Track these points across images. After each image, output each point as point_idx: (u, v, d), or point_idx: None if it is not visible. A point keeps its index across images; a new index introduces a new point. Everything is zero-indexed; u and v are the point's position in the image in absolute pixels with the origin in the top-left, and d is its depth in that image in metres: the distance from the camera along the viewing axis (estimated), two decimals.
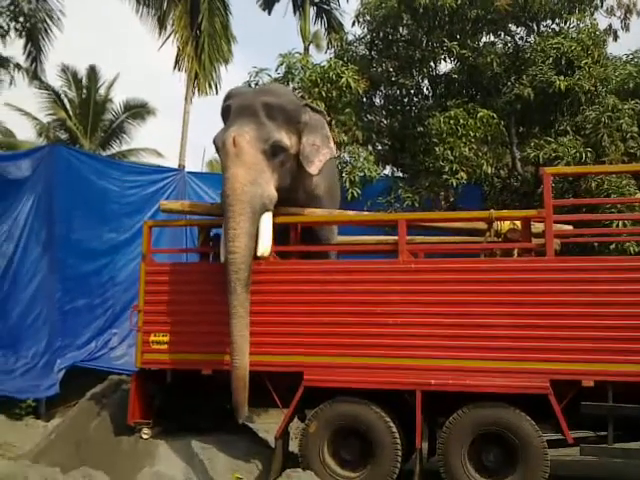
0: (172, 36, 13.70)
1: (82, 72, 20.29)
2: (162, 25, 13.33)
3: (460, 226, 6.93)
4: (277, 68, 10.91)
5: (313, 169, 6.57)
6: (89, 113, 20.31)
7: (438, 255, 7.60)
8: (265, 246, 6.22)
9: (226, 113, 6.57)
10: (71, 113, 20.22)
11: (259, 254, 6.18)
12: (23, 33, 9.66)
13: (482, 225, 6.78)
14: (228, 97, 6.80)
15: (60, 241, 10.18)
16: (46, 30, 11.56)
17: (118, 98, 21.01)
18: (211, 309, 6.48)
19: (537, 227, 6.49)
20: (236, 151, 6.10)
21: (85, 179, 10.58)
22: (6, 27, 8.86)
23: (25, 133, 24.90)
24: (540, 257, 6.03)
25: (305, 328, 6.26)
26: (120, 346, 10.74)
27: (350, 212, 7.37)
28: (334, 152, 6.85)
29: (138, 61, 37.52)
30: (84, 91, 20.52)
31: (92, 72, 20.55)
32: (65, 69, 20.09)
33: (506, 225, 6.67)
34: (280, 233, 6.56)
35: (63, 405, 9.78)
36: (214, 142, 6.48)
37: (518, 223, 6.61)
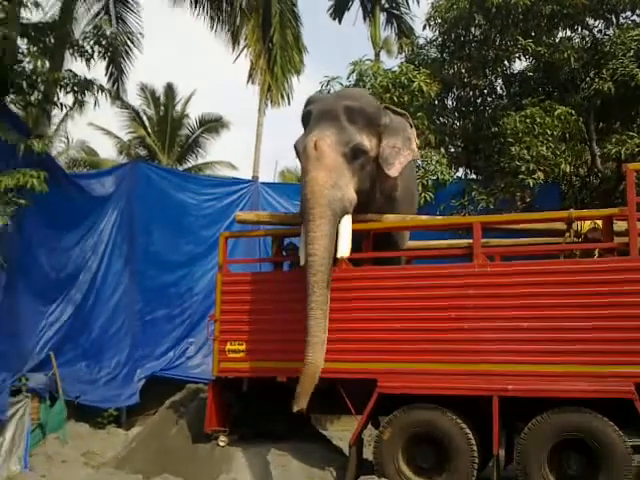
0: (245, 50, 13.95)
1: (160, 90, 21.10)
2: (235, 40, 13.58)
3: (538, 227, 6.70)
4: (348, 76, 10.91)
5: (393, 171, 6.54)
6: (167, 129, 21.00)
7: (515, 258, 7.37)
8: (345, 248, 6.21)
9: (307, 118, 6.62)
10: (150, 130, 20.98)
11: (339, 256, 6.18)
12: (105, 55, 10.04)
13: (561, 225, 6.54)
14: (309, 103, 6.87)
15: (140, 254, 10.54)
16: (127, 52, 12.03)
17: (194, 113, 21.61)
18: (286, 317, 6.56)
19: (620, 225, 6.19)
20: (317, 154, 6.14)
21: (164, 193, 10.93)
22: (90, 51, 9.24)
23: (107, 151, 25.99)
24: (623, 257, 5.74)
25: (379, 334, 6.24)
26: (197, 355, 10.98)
27: (423, 216, 7.27)
28: (417, 154, 6.82)
29: (212, 76, 38.47)
30: (162, 108, 21.26)
31: (169, 89, 21.33)
32: (144, 88, 20.89)
33: (587, 225, 6.42)
34: (352, 240, 6.53)
35: (142, 414, 10.08)
36: (295, 147, 6.54)
37: (599, 222, 6.33)
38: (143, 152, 21.24)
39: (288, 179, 22.65)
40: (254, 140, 14.00)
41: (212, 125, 21.31)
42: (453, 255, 6.96)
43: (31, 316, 8.91)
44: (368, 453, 6.64)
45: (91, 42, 9.22)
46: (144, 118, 21.18)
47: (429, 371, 6.03)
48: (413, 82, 10.38)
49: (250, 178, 12.85)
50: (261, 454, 6.46)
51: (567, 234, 6.38)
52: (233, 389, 6.92)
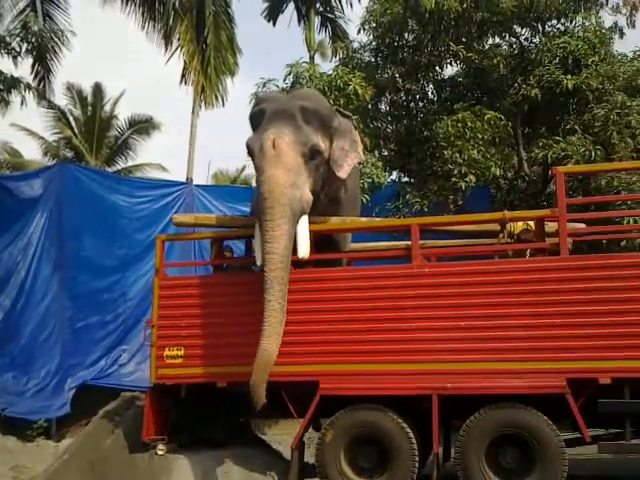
0: (178, 50, 13.74)
1: (87, 90, 20.50)
2: (168, 40, 13.37)
3: (473, 229, 6.86)
4: (285, 78, 10.92)
5: (342, 173, 6.54)
6: (94, 130, 20.42)
7: (450, 259, 7.52)
8: (304, 249, 6.16)
9: (258, 117, 6.46)
10: (76, 131, 20.35)
11: (300, 257, 6.12)
12: (32, 53, 9.67)
13: (495, 227, 6.72)
14: (260, 102, 6.77)
15: (70, 258, 10.18)
16: (54, 50, 11.62)
17: (123, 114, 21.13)
18: (226, 321, 6.47)
19: (550, 226, 6.41)
20: (275, 153, 6.04)
21: (94, 196, 10.60)
22: (18, 49, 8.87)
23: (31, 153, 25.08)
24: (554, 257, 5.95)
25: (319, 336, 6.23)
26: (130, 363, 10.66)
27: (363, 219, 7.33)
28: (362, 156, 6.86)
29: (142, 77, 37.73)
30: (89, 108, 20.66)
31: (97, 89, 20.74)
32: (70, 87, 20.25)
33: (519, 226, 6.63)
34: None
35: (74, 425, 9.73)
36: (248, 145, 6.39)
37: (531, 223, 6.55)
38: (70, 154, 20.59)
39: (221, 181, 22.44)
40: (185, 142, 13.82)
41: (142, 126, 20.86)
42: (392, 257, 7.04)
43: None
44: (309, 456, 6.63)
45: (17, 39, 8.84)
46: (70, 118, 20.53)
47: (370, 372, 6.07)
48: (349, 85, 10.49)
49: (184, 180, 12.62)
50: (201, 462, 6.35)
51: (501, 235, 6.56)
52: (171, 396, 6.77)
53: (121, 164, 20.98)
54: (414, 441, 5.91)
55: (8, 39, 8.96)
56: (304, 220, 6.18)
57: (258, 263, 6.09)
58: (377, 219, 8.30)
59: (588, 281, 5.73)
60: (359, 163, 10.46)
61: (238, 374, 6.31)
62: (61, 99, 19.87)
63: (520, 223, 6.66)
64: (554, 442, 5.57)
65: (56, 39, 10.98)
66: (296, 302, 6.31)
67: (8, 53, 8.90)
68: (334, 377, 6.14)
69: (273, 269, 5.80)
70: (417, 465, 5.89)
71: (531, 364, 5.72)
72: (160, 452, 6.47)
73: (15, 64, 9.04)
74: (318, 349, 6.21)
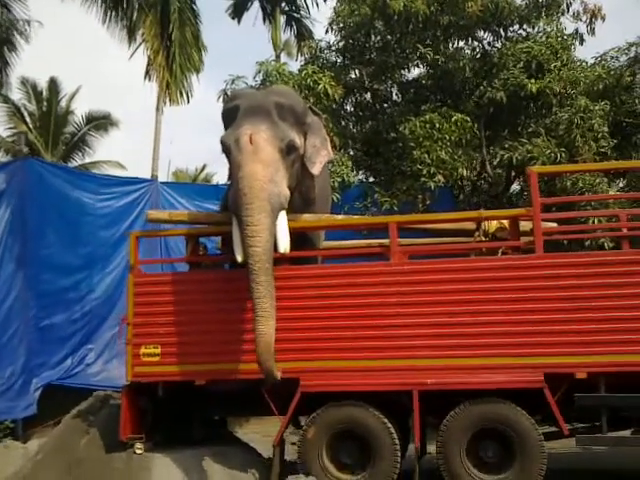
0: (142, 46, 13.56)
1: (42, 84, 20.00)
2: (131, 35, 13.18)
3: (449, 227, 6.99)
4: (255, 76, 10.91)
5: (315, 170, 6.57)
6: (50, 126, 19.96)
7: (424, 257, 7.62)
8: (285, 243, 6.14)
9: (232, 113, 6.39)
10: (31, 126, 19.85)
11: (282, 251, 6.11)
12: None
13: (470, 225, 6.86)
14: (233, 98, 6.75)
15: (34, 256, 9.90)
16: (11, 41, 11.32)
17: (80, 110, 20.69)
18: (203, 318, 6.42)
19: (524, 225, 6.58)
20: (253, 148, 5.98)
21: (58, 192, 10.34)
22: None
23: None
24: (530, 254, 6.11)
25: (299, 333, 6.25)
26: (97, 362, 10.48)
27: (339, 216, 7.38)
28: (331, 155, 6.88)
29: (99, 73, 36.99)
30: (45, 104, 20.19)
31: (53, 84, 20.26)
32: (25, 81, 19.73)
33: (493, 225, 6.75)
34: None
35: (40, 425, 9.54)
36: (223, 141, 6.31)
37: (505, 222, 6.70)
38: (25, 149, 20.09)
39: (181, 179, 22.22)
40: (141, 139, 13.70)
41: (100, 123, 20.49)
42: (369, 254, 7.11)
43: None
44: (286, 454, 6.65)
45: None
46: (25, 113, 20.02)
47: (351, 368, 6.12)
48: (318, 84, 10.54)
49: (147, 178, 12.46)
50: (180, 460, 6.27)
51: (477, 233, 6.69)
52: (147, 394, 6.69)
53: (78, 161, 20.57)
54: (396, 437, 6.00)
55: None
56: (283, 216, 6.18)
57: (239, 260, 6.03)
58: (354, 217, 8.37)
59: (563, 278, 5.92)
60: (329, 162, 10.64)
61: (216, 372, 6.35)
62: (15, 93, 19.40)
63: (494, 222, 6.80)
64: (533, 436, 5.73)
65: (19, 30, 10.68)
66: (277, 299, 6.33)
67: None
68: (315, 374, 6.17)
69: (257, 260, 5.76)
70: (399, 460, 5.97)
71: (509, 359, 5.87)
72: (138, 451, 6.36)
73: None
74: (298, 346, 6.22)
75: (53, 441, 7.09)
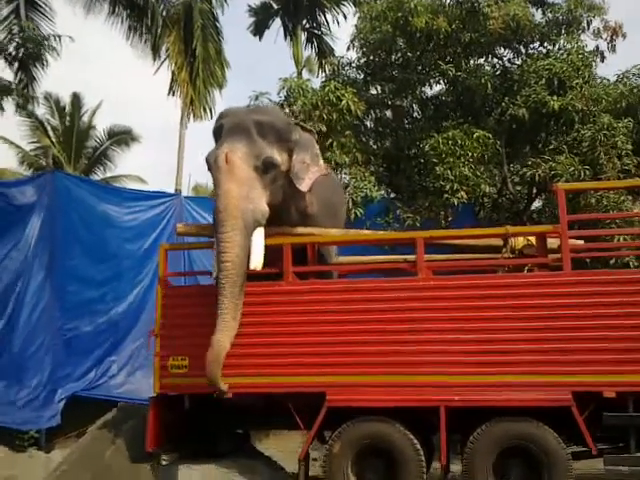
0: (166, 62, 13.75)
1: (65, 99, 20.33)
2: (156, 52, 13.37)
3: (475, 243, 7.00)
4: (279, 92, 11.04)
5: (303, 186, 6.62)
6: (72, 140, 20.26)
7: (449, 273, 7.64)
8: (257, 260, 6.24)
9: (219, 132, 6.62)
10: (54, 140, 20.15)
11: (252, 267, 6.21)
12: (23, 59, 9.59)
13: (496, 242, 6.87)
14: (221, 117, 6.88)
15: (61, 268, 10.04)
16: (41, 57, 11.51)
17: (101, 125, 21.01)
18: None
19: (551, 243, 6.58)
20: (228, 167, 6.17)
21: (85, 205, 10.47)
22: (14, 53, 8.80)
23: (6, 161, 24.65)
24: (558, 272, 6.10)
25: (326, 348, 6.26)
26: (119, 374, 10.55)
27: (365, 231, 7.42)
28: (323, 170, 6.89)
29: (121, 88, 37.45)
30: (67, 118, 20.50)
31: (75, 99, 20.59)
32: (48, 97, 20.04)
33: (520, 241, 6.76)
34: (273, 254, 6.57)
35: (62, 436, 9.63)
36: (206, 160, 6.51)
37: (532, 239, 6.71)
38: (46, 163, 20.37)
39: (201, 193, 22.37)
40: (161, 154, 13.85)
41: (121, 137, 20.76)
42: (391, 269, 7.12)
43: None
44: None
45: (14, 44, 8.77)
46: (48, 128, 20.34)
47: (377, 384, 6.12)
48: (341, 100, 10.64)
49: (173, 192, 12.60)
50: (206, 472, 6.35)
51: (504, 250, 6.70)
52: (174, 406, 6.73)
53: (99, 175, 20.84)
54: (422, 453, 5.99)
55: (6, 45, 8.85)
56: (258, 232, 6.30)
57: (213, 275, 6.23)
58: (380, 232, 8.40)
59: (592, 296, 5.89)
60: (352, 177, 10.73)
61: (243, 385, 6.36)
62: (39, 108, 19.71)
63: (521, 238, 6.81)
64: (561, 455, 5.69)
65: (47, 46, 10.85)
66: (302, 314, 6.39)
67: (5, 59, 8.81)
68: (341, 389, 6.18)
69: (225, 275, 5.98)
70: (425, 478, 5.96)
71: (537, 377, 5.84)
72: (164, 462, 6.45)
73: (13, 70, 8.94)
74: (324, 360, 6.23)
75: (79, 451, 7.16)
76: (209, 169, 6.50)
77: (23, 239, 9.67)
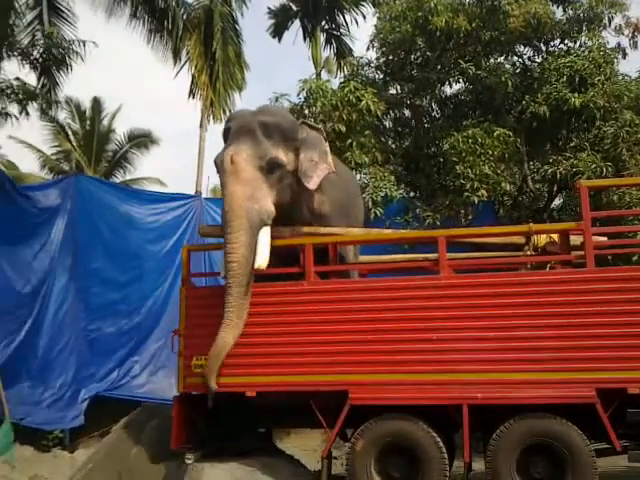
0: (186, 65, 13.86)
1: (85, 104, 20.59)
2: (176, 55, 13.47)
3: (498, 241, 6.98)
4: (299, 93, 11.07)
5: (311, 184, 6.67)
6: (93, 144, 20.50)
7: (470, 271, 7.62)
8: (262, 259, 6.32)
9: (226, 134, 6.76)
10: (75, 144, 20.40)
11: (256, 266, 6.29)
12: (47, 64, 9.73)
13: (518, 239, 6.85)
14: (228, 120, 7.04)
15: (85, 269, 10.20)
16: (65, 62, 11.64)
17: (121, 128, 21.23)
18: (253, 331, 6.49)
19: (573, 240, 6.55)
20: (233, 169, 6.30)
21: (107, 207, 10.65)
22: (40, 59, 8.94)
23: (25, 165, 24.97)
24: (581, 269, 6.07)
25: (349, 346, 6.28)
26: (141, 374, 10.67)
27: (387, 230, 7.42)
28: (332, 168, 6.89)
29: (137, 91, 37.82)
30: (88, 122, 20.75)
31: (96, 103, 20.85)
32: (69, 101, 20.29)
33: (543, 238, 6.74)
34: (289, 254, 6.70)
35: (85, 435, 9.75)
36: (215, 162, 6.67)
37: (554, 236, 6.67)
38: (68, 167, 20.65)
39: (219, 195, 22.48)
40: (180, 157, 13.98)
41: (141, 140, 20.97)
42: (417, 268, 7.12)
43: None
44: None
45: (39, 49, 8.91)
46: (69, 132, 20.59)
47: (400, 382, 6.13)
48: (361, 101, 10.64)
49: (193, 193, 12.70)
50: (230, 470, 6.36)
51: (526, 247, 6.68)
52: (197, 405, 6.79)
53: (119, 177, 21.08)
54: (444, 451, 5.98)
55: (31, 50, 9.00)
56: (264, 232, 6.39)
57: (221, 274, 6.37)
58: (402, 231, 8.40)
59: (616, 292, 5.85)
60: (371, 177, 10.73)
61: (266, 384, 6.41)
62: (60, 113, 19.96)
63: (543, 236, 6.78)
64: (585, 452, 5.66)
65: (71, 51, 10.98)
66: (325, 312, 6.42)
67: (31, 64, 8.96)
68: (364, 387, 6.20)
69: (231, 275, 6.14)
70: (448, 475, 5.96)
71: (561, 374, 5.81)
72: (188, 461, 6.49)
73: (39, 75, 9.08)
74: (347, 359, 6.26)
75: (104, 450, 7.25)
76: (217, 171, 6.65)
77: (49, 241, 9.82)
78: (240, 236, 6.12)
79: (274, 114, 6.83)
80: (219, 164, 6.50)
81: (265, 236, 6.37)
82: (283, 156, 6.51)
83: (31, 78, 11.13)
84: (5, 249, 9.21)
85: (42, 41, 9.41)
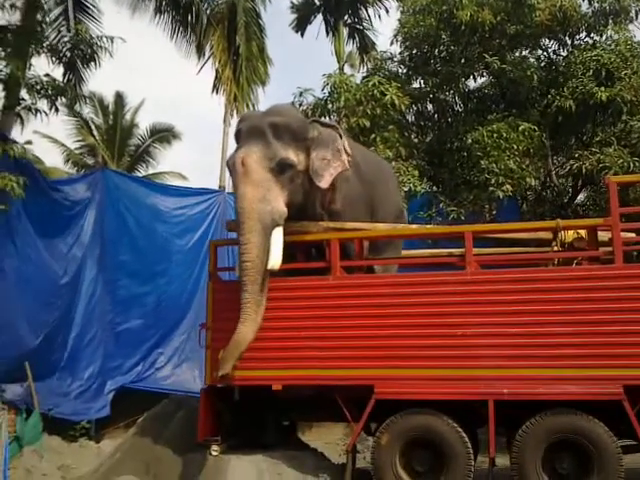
0: (210, 60, 13.93)
1: (108, 99, 20.76)
2: (200, 50, 13.57)
3: (525, 237, 6.96)
4: (323, 88, 11.08)
5: (323, 183, 6.63)
6: (116, 139, 20.68)
7: (494, 267, 7.60)
8: (275, 259, 6.35)
9: (238, 136, 6.81)
10: (98, 139, 20.58)
11: (269, 267, 6.31)
12: (75, 60, 9.84)
13: (545, 235, 6.82)
14: (240, 121, 7.05)
15: (112, 263, 10.34)
16: (94, 58, 11.74)
17: (144, 123, 21.36)
18: (280, 324, 6.54)
19: (601, 235, 6.51)
20: (244, 170, 6.33)
21: (134, 201, 10.79)
22: (69, 55, 9.05)
23: (49, 159, 25.24)
24: (610, 265, 6.03)
25: (375, 341, 6.30)
26: (166, 366, 10.82)
27: (413, 226, 7.43)
28: (347, 165, 6.82)
29: (161, 86, 37.97)
30: (111, 117, 20.92)
31: (119, 98, 21.01)
32: (92, 96, 20.38)
33: (570, 234, 6.70)
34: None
35: (111, 426, 9.90)
36: (227, 164, 6.78)
37: (582, 232, 6.64)
38: (91, 161, 20.85)
39: None
40: (202, 151, 14.07)
41: (163, 135, 21.10)
42: (443, 263, 7.12)
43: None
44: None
45: (66, 45, 9.01)
46: (92, 127, 20.77)
47: (426, 377, 6.14)
48: (385, 95, 10.63)
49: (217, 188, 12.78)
50: (255, 463, 6.41)
51: (554, 243, 6.65)
52: (224, 398, 6.87)
53: (142, 172, 21.21)
54: (469, 446, 5.99)
55: (60, 46, 9.12)
56: (277, 232, 6.41)
57: (236, 274, 6.41)
58: (428, 226, 8.40)
59: None
60: (395, 172, 10.71)
61: (293, 377, 6.46)
62: (84, 107, 20.12)
63: (571, 231, 6.74)
64: (611, 448, 5.64)
65: (99, 47, 11.07)
66: (351, 307, 6.45)
67: (59, 60, 9.07)
68: (389, 381, 6.22)
69: (246, 274, 6.18)
70: (472, 470, 5.97)
71: (587, 371, 5.78)
72: (214, 453, 6.55)
73: (68, 71, 9.20)
74: (373, 353, 6.28)
75: (131, 441, 7.34)
76: (229, 174, 6.76)
77: (83, 233, 9.98)
78: (252, 237, 6.18)
79: (283, 114, 6.81)
80: (231, 166, 6.58)
81: (278, 236, 6.40)
82: (293, 156, 6.52)
83: (56, 73, 11.34)
84: (45, 241, 9.38)
85: (67, 37, 9.47)
